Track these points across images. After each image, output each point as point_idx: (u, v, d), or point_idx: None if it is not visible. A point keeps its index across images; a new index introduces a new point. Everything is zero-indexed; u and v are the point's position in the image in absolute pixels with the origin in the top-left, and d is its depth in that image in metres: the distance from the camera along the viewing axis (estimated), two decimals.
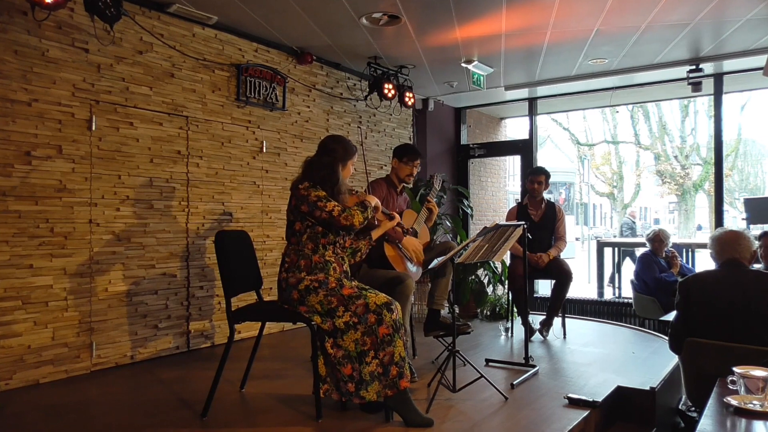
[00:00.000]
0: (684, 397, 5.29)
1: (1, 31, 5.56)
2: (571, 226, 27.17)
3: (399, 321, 4.56)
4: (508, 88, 10.85)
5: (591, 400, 5.12)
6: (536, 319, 8.23)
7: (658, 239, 9.39)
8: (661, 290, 9.06)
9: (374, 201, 4.95)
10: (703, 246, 11.36)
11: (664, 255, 9.36)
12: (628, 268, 10.31)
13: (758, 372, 3.16)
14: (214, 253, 5.24)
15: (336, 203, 4.66)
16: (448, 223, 10.38)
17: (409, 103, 9.72)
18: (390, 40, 8.15)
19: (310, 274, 4.66)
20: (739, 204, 34.88)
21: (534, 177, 8.20)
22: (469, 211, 11.66)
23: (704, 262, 11.37)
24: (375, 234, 5.25)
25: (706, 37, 8.24)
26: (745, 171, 37.72)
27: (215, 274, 7.33)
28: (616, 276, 13.11)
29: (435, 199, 6.54)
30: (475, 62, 9.05)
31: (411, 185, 7.00)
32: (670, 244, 9.56)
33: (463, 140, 12.79)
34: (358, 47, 8.49)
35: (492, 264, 9.76)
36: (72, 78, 6.07)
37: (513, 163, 18.45)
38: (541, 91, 11.30)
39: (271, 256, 8.13)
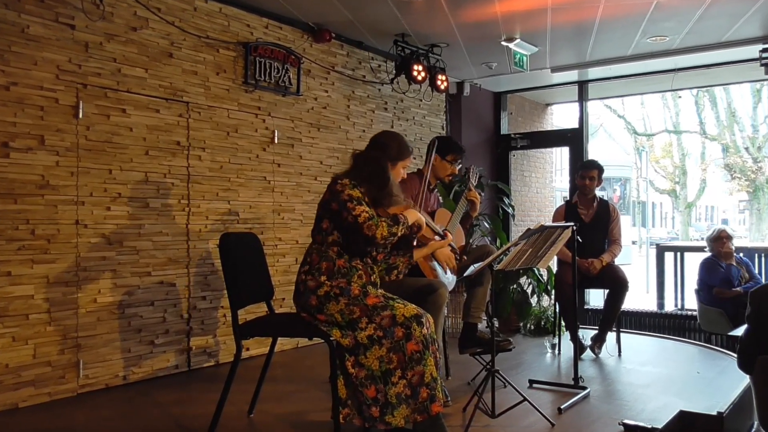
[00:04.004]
0: (756, 423, 5.22)
1: None
2: (626, 228, 27.04)
3: (430, 336, 4.51)
4: (554, 69, 10.77)
5: (650, 426, 5.05)
6: (587, 334, 8.15)
7: (725, 235, 9.29)
8: (729, 301, 8.96)
9: (413, 218, 4.86)
10: None
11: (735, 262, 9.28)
12: (693, 276, 10.21)
13: None
14: (219, 259, 5.20)
15: (365, 208, 4.58)
16: (486, 224, 10.31)
17: (442, 87, 9.67)
18: (420, 15, 8.09)
19: (331, 279, 4.62)
20: None
21: (585, 172, 8.14)
22: (510, 210, 11.58)
23: None
24: (418, 253, 5.21)
25: None
26: None
27: (220, 283, 7.29)
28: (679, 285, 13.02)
29: None
30: (518, 40, 8.97)
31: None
32: (734, 248, 9.46)
33: (504, 129, 12.73)
34: (383, 23, 8.43)
35: (536, 271, 9.69)
36: (56, 58, 6.04)
37: (560, 156, 18.40)
38: (593, 73, 11.22)
39: (283, 262, 8.10)
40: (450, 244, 5.49)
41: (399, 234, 4.66)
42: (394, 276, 5.08)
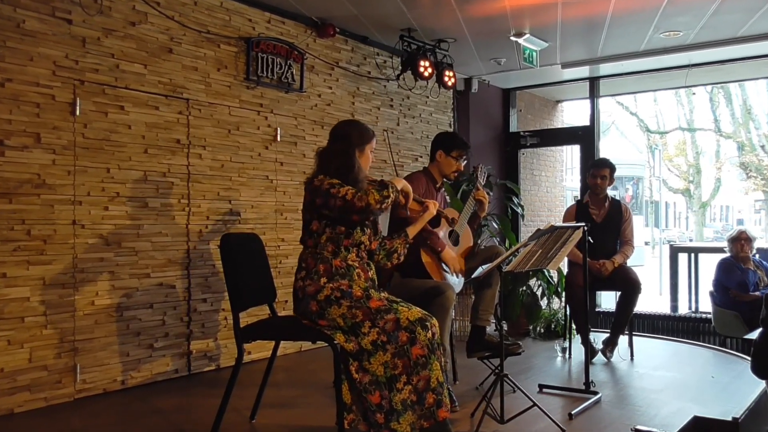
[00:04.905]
0: None
1: None
2: (639, 228, 27.03)
3: (436, 340, 4.49)
4: (565, 65, 10.76)
5: None
6: (598, 338, 8.12)
7: (745, 237, 9.26)
8: (745, 303, 8.93)
9: (401, 184, 4.85)
10: None
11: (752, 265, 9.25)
12: (707, 278, 10.19)
13: None
14: (220, 260, 5.19)
15: (349, 187, 4.58)
16: (494, 224, 10.29)
17: (449, 84, 9.64)
18: (426, 9, 8.08)
19: (331, 281, 4.61)
20: None
21: (596, 170, 8.12)
22: (519, 210, 11.55)
23: None
24: (412, 230, 5.19)
25: None
26: None
27: (221, 285, 7.28)
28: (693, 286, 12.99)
29: None
30: (527, 35, 8.95)
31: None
32: (754, 251, 9.42)
33: (513, 127, 12.70)
34: (388, 17, 8.42)
35: (546, 273, 9.66)
36: (52, 54, 6.02)
37: (571, 154, 18.39)
38: (605, 69, 11.20)
39: (286, 263, 8.08)
40: (440, 211, 5.46)
41: (391, 196, 4.63)
42: (396, 259, 5.06)
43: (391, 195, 4.64)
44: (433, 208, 5.28)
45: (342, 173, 4.72)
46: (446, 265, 5.96)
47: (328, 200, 4.60)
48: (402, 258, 5.12)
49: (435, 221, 5.46)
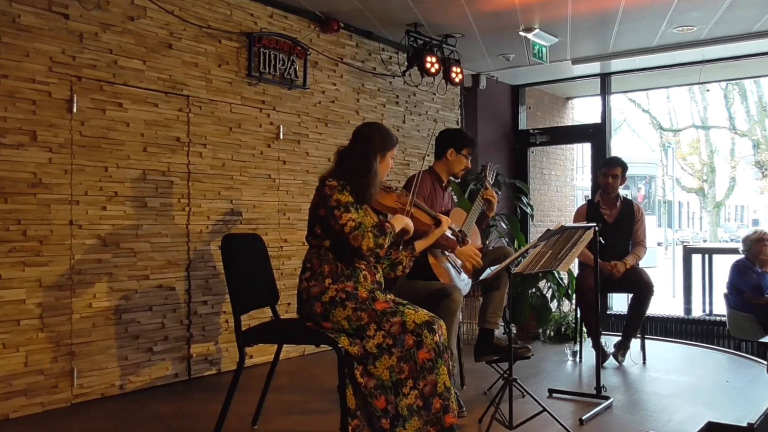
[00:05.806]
0: None
1: None
2: (652, 229, 27.00)
3: (443, 343, 4.48)
4: (576, 61, 10.75)
5: None
6: (610, 341, 8.12)
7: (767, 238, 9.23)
8: (760, 305, 8.90)
9: (400, 225, 4.85)
10: None
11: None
12: (722, 279, 10.15)
13: None
14: (221, 261, 5.17)
15: (352, 216, 4.56)
16: (503, 224, 10.27)
17: (457, 80, 9.65)
18: (433, 4, 8.06)
19: (336, 283, 4.60)
20: None
21: (608, 169, 8.11)
22: (528, 210, 11.54)
23: None
24: (420, 245, 5.18)
25: None
26: None
27: (222, 287, 7.28)
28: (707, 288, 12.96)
29: None
30: (537, 30, 8.94)
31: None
32: None
33: (522, 125, 12.71)
34: (394, 12, 8.41)
35: (557, 274, 9.65)
36: (49, 49, 6.02)
37: (582, 153, 18.36)
38: (616, 65, 11.21)
39: (289, 264, 8.07)
40: (450, 227, 5.45)
41: (386, 245, 4.64)
42: (400, 272, 5.06)
43: (387, 243, 4.64)
44: (445, 225, 5.28)
45: (357, 173, 4.71)
46: (459, 262, 5.95)
47: (329, 218, 4.60)
48: (407, 270, 5.12)
49: (437, 225, 5.44)
